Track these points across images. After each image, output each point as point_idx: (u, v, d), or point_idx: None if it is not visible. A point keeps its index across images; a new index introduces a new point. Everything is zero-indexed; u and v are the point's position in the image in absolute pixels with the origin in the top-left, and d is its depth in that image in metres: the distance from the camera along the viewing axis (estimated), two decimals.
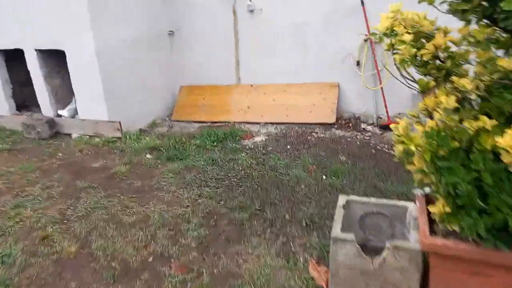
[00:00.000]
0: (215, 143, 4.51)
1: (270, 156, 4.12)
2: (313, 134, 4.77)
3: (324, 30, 5.04)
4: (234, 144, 4.48)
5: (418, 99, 1.83)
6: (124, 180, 3.79)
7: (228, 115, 5.43)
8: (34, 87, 5.05)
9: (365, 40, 4.86)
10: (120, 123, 4.72)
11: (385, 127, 4.81)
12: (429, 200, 1.92)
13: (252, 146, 4.44)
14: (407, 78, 1.79)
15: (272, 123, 5.21)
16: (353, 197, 2.35)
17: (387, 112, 4.91)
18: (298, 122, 5.13)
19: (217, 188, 3.55)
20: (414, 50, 1.68)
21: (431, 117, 1.69)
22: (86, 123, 4.89)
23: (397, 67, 1.78)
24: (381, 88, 4.89)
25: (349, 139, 4.53)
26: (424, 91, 1.74)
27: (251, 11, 5.28)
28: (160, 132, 5.09)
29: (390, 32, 1.72)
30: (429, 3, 1.70)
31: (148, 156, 4.30)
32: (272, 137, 4.74)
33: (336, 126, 4.99)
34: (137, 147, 4.46)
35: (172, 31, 5.68)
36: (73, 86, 4.80)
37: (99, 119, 4.79)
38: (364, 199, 2.35)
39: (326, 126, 4.99)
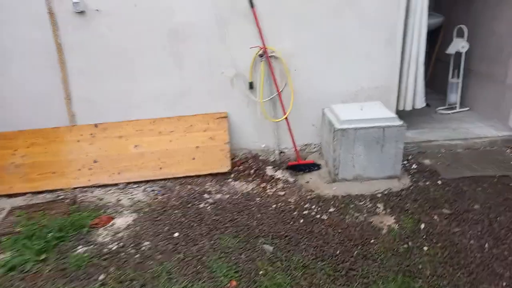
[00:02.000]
0: (43, 253, 2.48)
1: (150, 268, 2.37)
2: (205, 195, 3.19)
3: (211, 39, 3.48)
4: (79, 248, 2.54)
5: None
6: None
7: (61, 179, 3.37)
8: None
9: (260, 56, 3.49)
10: None
11: (294, 168, 3.59)
12: None
13: (115, 246, 2.58)
14: None
15: (138, 183, 3.40)
16: None
17: (295, 147, 3.69)
18: (178, 176, 3.46)
19: None
20: None
21: None
22: None
23: None
24: (285, 118, 3.63)
25: (258, 201, 3.10)
26: None
27: (80, 12, 3.32)
28: None
29: None
30: None
31: None
32: (144, 214, 2.96)
33: (232, 176, 3.52)
34: None
35: None
36: None
37: None
38: None
39: (218, 177, 3.48)
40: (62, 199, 3.17)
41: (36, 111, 3.55)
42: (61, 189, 3.30)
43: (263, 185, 3.37)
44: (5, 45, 3.36)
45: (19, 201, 3.21)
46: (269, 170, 3.60)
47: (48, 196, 3.24)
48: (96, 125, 3.56)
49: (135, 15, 3.38)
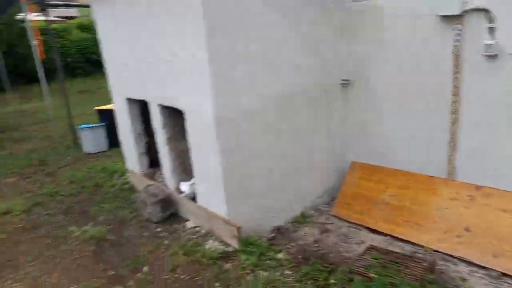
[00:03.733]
0: None
1: None
2: None
3: None
4: None
5: None
6: None
7: (424, 234, 3.06)
8: (159, 149, 3.93)
9: None
10: (238, 229, 3.04)
11: None
12: None
13: None
14: None
15: None
16: None
17: None
18: None
19: None
20: None
21: None
22: (202, 213, 3.43)
23: None
24: None
25: None
26: None
27: (492, 56, 2.79)
28: (306, 241, 3.18)
29: None
30: None
31: None
32: None
33: None
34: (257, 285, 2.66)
35: (347, 80, 3.71)
36: (191, 157, 3.41)
37: (215, 212, 3.24)
38: None
39: None
40: (419, 258, 2.86)
41: (413, 153, 3.40)
42: (421, 246, 3.00)
43: None
44: (404, 83, 3.37)
45: (378, 240, 3.19)
46: None
47: (407, 248, 3.03)
48: (477, 187, 2.99)
49: None
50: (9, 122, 8.67)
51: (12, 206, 4.12)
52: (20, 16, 11.97)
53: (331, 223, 3.53)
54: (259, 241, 3.09)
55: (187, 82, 3.11)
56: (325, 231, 3.43)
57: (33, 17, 6.64)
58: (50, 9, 6.64)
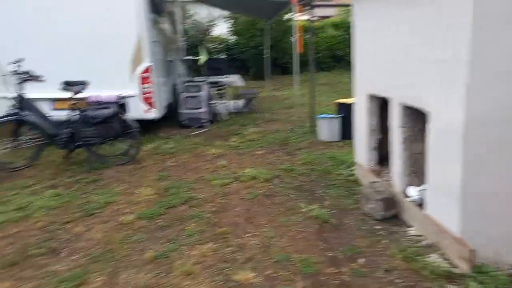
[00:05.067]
0: None
1: None
2: None
3: None
4: None
5: None
6: None
7: None
8: (391, 148, 3.86)
9: None
10: (471, 252, 2.66)
11: None
12: None
13: None
14: None
15: None
16: None
17: None
18: None
19: None
20: None
21: None
22: (429, 223, 3.18)
23: None
24: None
25: None
26: None
27: None
28: None
29: None
30: None
31: None
32: None
33: None
34: None
35: None
36: (427, 161, 3.19)
37: (444, 226, 2.94)
38: None
39: None
40: None
41: None
42: None
43: None
44: None
45: None
46: None
47: None
48: None
49: None
50: (263, 105, 10.30)
51: (258, 174, 4.94)
52: (287, 16, 13.88)
53: None
54: (496, 272, 2.64)
55: (434, 81, 2.90)
56: None
57: (298, 16, 7.60)
58: (311, 9, 7.42)
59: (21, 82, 5.27)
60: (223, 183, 4.75)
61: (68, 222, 3.88)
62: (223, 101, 9.21)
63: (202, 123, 7.89)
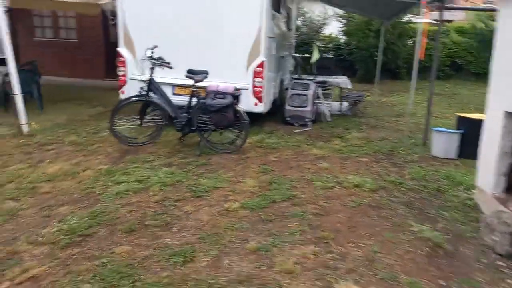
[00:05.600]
0: None
1: None
2: None
3: None
4: None
5: None
6: None
7: None
8: None
9: None
10: None
11: None
12: None
13: None
14: None
15: None
16: None
17: None
18: None
19: None
20: None
21: None
22: None
23: None
24: None
25: None
26: None
27: None
28: None
29: None
30: None
31: None
32: None
33: None
34: None
35: None
36: None
37: None
38: None
39: None
40: None
41: None
42: None
43: None
44: None
45: None
46: None
47: None
48: None
49: None
50: (368, 110, 9.87)
51: (363, 182, 4.74)
52: (405, 18, 13.06)
53: None
54: None
55: None
56: None
57: (422, 19, 7.05)
58: (441, 12, 6.83)
59: (154, 67, 5.80)
60: (325, 186, 4.66)
61: (179, 200, 4.18)
62: (328, 102, 9.04)
63: (305, 121, 7.85)
